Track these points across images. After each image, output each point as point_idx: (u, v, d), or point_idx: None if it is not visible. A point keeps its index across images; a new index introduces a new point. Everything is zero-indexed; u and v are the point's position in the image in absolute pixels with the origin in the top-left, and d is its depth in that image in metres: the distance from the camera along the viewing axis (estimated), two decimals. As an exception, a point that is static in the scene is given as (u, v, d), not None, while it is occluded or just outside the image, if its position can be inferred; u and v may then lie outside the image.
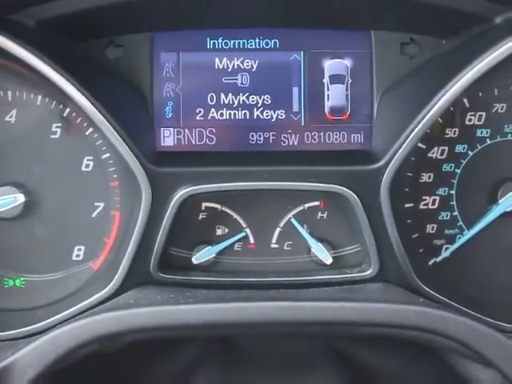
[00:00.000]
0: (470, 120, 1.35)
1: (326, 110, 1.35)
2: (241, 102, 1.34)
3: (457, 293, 1.27)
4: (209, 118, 1.34)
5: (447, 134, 1.35)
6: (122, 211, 1.31)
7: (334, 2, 1.28)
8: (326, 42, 1.33)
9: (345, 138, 1.35)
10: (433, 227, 1.37)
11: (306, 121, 1.35)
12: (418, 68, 1.33)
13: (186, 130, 1.35)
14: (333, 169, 1.27)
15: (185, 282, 1.28)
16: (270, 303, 1.12)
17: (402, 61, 1.34)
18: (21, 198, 1.31)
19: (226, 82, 1.34)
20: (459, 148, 1.35)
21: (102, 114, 1.22)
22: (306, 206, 1.32)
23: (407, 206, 1.36)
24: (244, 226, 1.33)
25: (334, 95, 1.35)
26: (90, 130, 1.32)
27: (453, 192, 1.35)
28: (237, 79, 1.34)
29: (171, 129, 1.34)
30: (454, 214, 1.35)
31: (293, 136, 1.34)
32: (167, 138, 1.34)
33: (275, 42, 1.34)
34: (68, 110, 1.33)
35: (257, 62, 1.34)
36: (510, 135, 1.35)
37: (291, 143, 1.34)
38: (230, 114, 1.35)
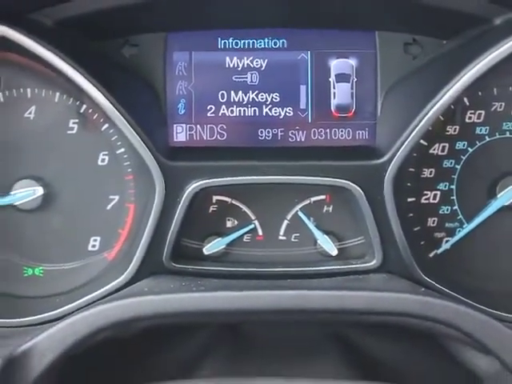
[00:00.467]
0: (469, 118, 1.35)
1: (332, 108, 1.34)
2: (250, 100, 1.34)
3: (457, 283, 1.26)
4: (220, 114, 1.34)
5: (448, 132, 1.34)
6: (136, 204, 1.31)
7: (338, 3, 1.27)
8: (332, 42, 1.33)
9: (350, 134, 1.35)
10: (434, 221, 1.36)
11: (313, 118, 1.34)
12: (421, 67, 1.32)
13: (198, 126, 1.34)
14: (338, 164, 1.26)
15: (196, 271, 1.27)
16: (279, 292, 1.12)
17: (406, 60, 1.33)
18: (39, 191, 1.31)
19: (236, 80, 1.34)
20: (459, 145, 1.35)
21: (117, 110, 1.22)
22: (313, 199, 1.32)
23: (409, 200, 1.36)
24: (253, 218, 1.33)
25: (340, 93, 1.34)
26: (106, 125, 1.32)
27: (453, 187, 1.35)
28: (246, 77, 1.34)
29: (183, 125, 1.34)
30: (454, 208, 1.35)
31: (300, 132, 1.34)
32: (180, 134, 1.34)
33: (283, 41, 1.33)
34: (85, 106, 1.33)
35: (266, 61, 1.34)
36: (508, 132, 1.34)
37: (298, 139, 1.34)
38: (240, 110, 1.34)
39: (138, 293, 1.15)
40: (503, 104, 1.35)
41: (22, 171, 1.33)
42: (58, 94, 1.33)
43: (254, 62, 1.34)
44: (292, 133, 1.34)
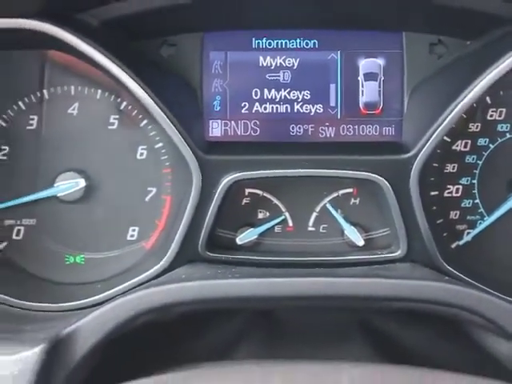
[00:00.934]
0: (491, 116, 1.35)
1: (361, 105, 1.34)
2: (282, 97, 1.34)
3: (478, 273, 1.26)
4: (253, 111, 1.34)
5: (470, 129, 1.34)
6: (173, 195, 1.32)
7: (366, 5, 1.27)
8: (360, 43, 1.33)
9: (377, 130, 1.34)
10: (456, 213, 1.36)
11: (342, 114, 1.34)
12: (446, 67, 1.32)
13: (233, 121, 1.35)
14: (366, 158, 1.26)
15: (230, 260, 1.28)
16: (309, 279, 1.11)
17: (431, 60, 1.33)
18: (82, 183, 1.32)
19: (270, 78, 1.34)
20: (481, 141, 1.34)
21: (158, 105, 1.23)
22: (341, 192, 1.32)
23: (433, 193, 1.35)
24: (283, 210, 1.33)
25: (368, 91, 1.34)
26: (145, 121, 1.33)
27: (475, 181, 1.34)
28: (279, 76, 1.34)
29: (219, 121, 1.34)
30: (476, 201, 1.35)
31: (330, 128, 1.34)
32: (215, 129, 1.35)
33: (314, 42, 1.34)
34: (125, 103, 1.34)
35: (297, 60, 1.34)
36: None
37: (328, 135, 1.34)
38: (272, 107, 1.34)
39: (176, 279, 1.14)
40: None
41: (65, 164, 1.34)
42: (99, 91, 1.33)
43: (287, 61, 1.34)
44: (322, 129, 1.34)
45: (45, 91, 1.34)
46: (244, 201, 1.33)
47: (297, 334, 1.29)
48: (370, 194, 1.30)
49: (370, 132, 1.34)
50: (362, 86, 1.34)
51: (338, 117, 1.34)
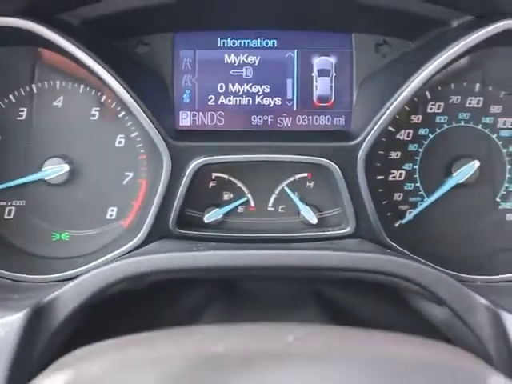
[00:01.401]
0: (431, 109, 1.35)
1: (314, 98, 1.34)
2: (245, 91, 1.33)
3: (418, 248, 1.26)
4: (219, 103, 1.34)
5: (412, 120, 1.34)
6: (148, 179, 1.31)
7: (322, 10, 1.27)
8: (315, 43, 1.33)
9: (329, 120, 1.34)
10: (399, 195, 1.36)
11: (298, 106, 1.34)
12: (389, 64, 1.32)
13: (200, 112, 1.34)
14: (319, 145, 1.26)
15: (197, 236, 1.27)
16: (265, 251, 1.11)
17: (377, 58, 1.33)
18: (66, 168, 1.31)
19: (233, 74, 1.34)
20: (422, 131, 1.34)
21: (133, 99, 1.22)
22: (297, 176, 1.32)
23: (379, 177, 1.35)
24: (246, 192, 1.32)
25: (321, 86, 1.34)
26: (123, 113, 1.32)
27: (416, 167, 1.34)
28: (242, 72, 1.33)
29: (188, 112, 1.34)
30: (417, 184, 1.35)
31: (287, 119, 1.34)
32: (184, 119, 1.34)
33: (274, 41, 1.33)
34: (105, 96, 1.33)
35: (258, 57, 1.33)
36: (462, 121, 1.34)
37: (285, 124, 1.34)
38: (236, 100, 1.34)
39: (148, 252, 1.15)
40: (459, 97, 1.35)
41: (51, 151, 1.32)
42: (82, 86, 1.32)
43: (249, 59, 1.33)
44: (280, 119, 1.34)
45: (33, 86, 1.31)
46: (211, 184, 1.31)
47: (257, 303, 1.30)
48: (322, 178, 1.29)
49: (322, 122, 1.34)
50: (316, 81, 1.34)
51: (295, 108, 1.34)
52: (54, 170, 1.31)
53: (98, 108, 1.33)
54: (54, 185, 1.32)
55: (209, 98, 1.34)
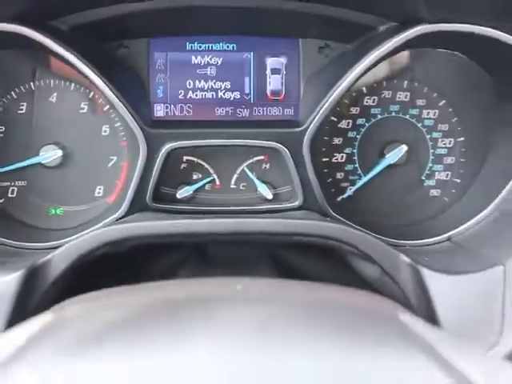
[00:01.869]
0: (367, 102, 1.37)
1: (268, 93, 1.35)
2: (209, 87, 1.34)
3: (357, 219, 1.27)
4: (187, 97, 1.34)
5: (351, 112, 1.36)
6: (129, 162, 1.32)
7: (273, 20, 1.28)
8: (268, 46, 1.33)
9: (280, 111, 1.35)
10: (341, 174, 1.38)
11: (254, 100, 1.35)
12: (330, 64, 1.32)
13: (172, 105, 1.34)
14: (271, 131, 1.27)
15: (171, 210, 1.28)
16: (229, 219, 1.15)
17: (320, 59, 1.33)
18: (59, 153, 1.32)
19: (199, 72, 1.34)
20: (359, 121, 1.36)
21: (115, 95, 1.21)
22: (255, 159, 1.33)
23: (324, 160, 1.36)
24: (212, 172, 1.34)
25: (274, 82, 1.34)
26: (107, 107, 1.33)
27: (355, 151, 1.37)
28: (207, 71, 1.34)
29: (162, 104, 1.34)
30: (356, 165, 1.37)
31: (245, 110, 1.35)
32: (159, 111, 1.34)
33: (233, 45, 1.33)
34: (92, 93, 1.32)
35: (221, 59, 1.34)
36: (393, 112, 1.36)
37: (243, 115, 1.35)
38: (202, 94, 1.34)
39: (129, 221, 1.19)
40: (390, 92, 1.36)
41: (47, 139, 1.32)
42: (73, 84, 1.32)
43: (213, 60, 1.33)
44: (239, 110, 1.35)
45: (32, 84, 1.31)
46: (182, 165, 1.32)
47: (221, 264, 1.33)
48: (276, 160, 1.30)
49: (274, 112, 1.35)
50: (269, 79, 1.34)
51: (251, 101, 1.35)
52: (50, 154, 1.31)
53: (87, 103, 1.33)
54: (50, 167, 1.32)
55: (179, 92, 1.34)
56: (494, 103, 1.29)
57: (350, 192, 1.38)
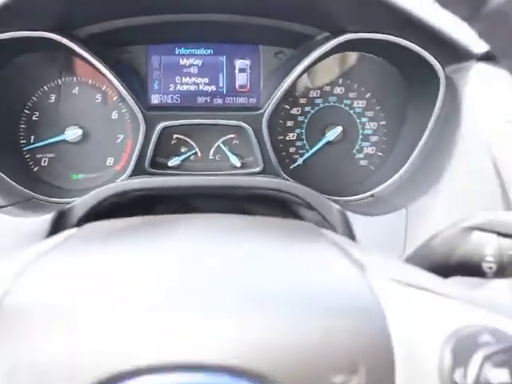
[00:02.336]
0: (312, 94, 1.43)
1: (237, 86, 1.42)
2: (193, 82, 1.40)
3: (305, 182, 1.27)
4: (176, 89, 1.42)
5: (300, 102, 1.43)
6: (132, 138, 1.39)
7: (240, 32, 1.34)
8: (237, 51, 1.40)
9: (246, 100, 1.43)
10: (292, 149, 1.46)
11: (226, 91, 1.41)
12: (282, 65, 1.40)
13: (165, 95, 1.42)
14: (239, 114, 1.35)
15: (164, 174, 1.34)
16: (207, 177, 1.26)
17: (275, 61, 1.40)
18: (79, 132, 1.39)
19: (185, 71, 1.41)
20: (306, 109, 1.44)
21: (123, 87, 1.28)
22: (227, 136, 1.40)
23: (279, 137, 1.44)
24: (195, 147, 1.41)
25: (241, 79, 1.42)
26: (116, 97, 1.39)
27: (303, 131, 1.44)
28: (190, 70, 1.41)
29: (157, 94, 1.42)
30: (304, 142, 1.45)
31: (219, 99, 1.42)
32: (154, 100, 1.42)
33: (211, 51, 1.41)
34: (104, 86, 1.39)
35: (201, 61, 1.41)
36: (332, 102, 1.44)
37: (218, 102, 1.41)
38: (187, 87, 1.42)
39: (132, 179, 1.30)
40: (329, 87, 1.43)
41: (70, 121, 1.39)
42: (90, 80, 1.39)
43: (195, 61, 1.41)
44: (215, 99, 1.43)
45: (59, 80, 1.38)
46: (172, 142, 1.40)
47: (201, 213, 1.37)
48: (243, 137, 1.37)
49: (242, 101, 1.43)
50: (237, 76, 1.41)
51: (224, 92, 1.42)
52: (72, 133, 1.39)
53: (100, 94, 1.39)
54: (72, 143, 1.39)
55: (170, 86, 1.41)
56: (405, 94, 1.42)
57: (299, 162, 1.44)
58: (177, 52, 1.40)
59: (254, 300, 0.43)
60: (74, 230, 0.70)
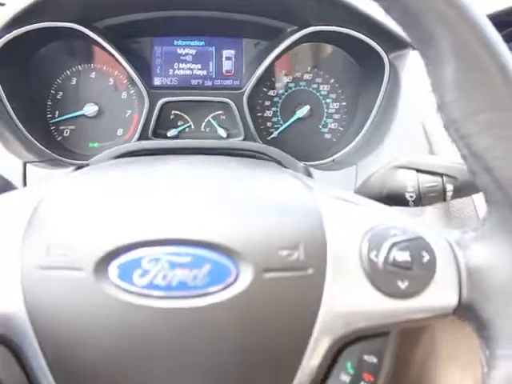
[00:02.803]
0: (285, 79, 1.55)
1: (224, 71, 1.54)
2: (188, 67, 1.53)
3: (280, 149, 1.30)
4: (174, 73, 1.53)
5: (276, 85, 1.54)
6: (138, 113, 1.49)
7: (225, 27, 1.43)
8: (224, 43, 1.52)
9: (231, 82, 1.54)
10: (269, 124, 1.56)
11: (215, 75, 1.54)
12: (259, 54, 1.50)
13: (164, 77, 1.53)
14: (225, 92, 1.46)
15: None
16: (201, 140, 1.39)
17: (255, 51, 1.52)
18: (96, 108, 1.51)
19: (182, 58, 1.52)
20: (281, 91, 1.55)
21: (133, 71, 1.39)
22: (216, 112, 1.51)
23: (258, 114, 1.54)
24: (190, 121, 1.53)
25: (227, 65, 1.53)
26: (125, 80, 1.50)
27: (278, 109, 1.55)
28: (186, 58, 1.52)
29: (159, 77, 1.53)
30: (278, 118, 1.55)
31: (209, 81, 1.50)
32: (157, 81, 1.53)
33: (203, 42, 1.52)
34: (116, 72, 1.51)
35: (195, 51, 1.53)
36: (302, 86, 1.54)
37: (208, 84, 1.51)
38: (183, 72, 1.53)
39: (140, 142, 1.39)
40: (300, 73, 1.54)
41: (88, 99, 1.50)
42: (104, 66, 1.51)
43: (190, 51, 1.52)
44: (205, 81, 1.54)
45: (79, 66, 1.49)
46: (171, 117, 1.51)
47: None
48: (228, 113, 1.47)
49: (228, 83, 1.54)
50: (224, 63, 1.52)
51: (213, 76, 1.53)
52: (90, 109, 1.50)
53: (113, 78, 1.50)
54: (90, 117, 1.50)
55: (169, 70, 1.52)
56: (360, 79, 1.51)
57: (274, 134, 1.56)
58: (175, 43, 1.51)
59: (224, 199, 0.55)
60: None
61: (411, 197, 0.75)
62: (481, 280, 0.48)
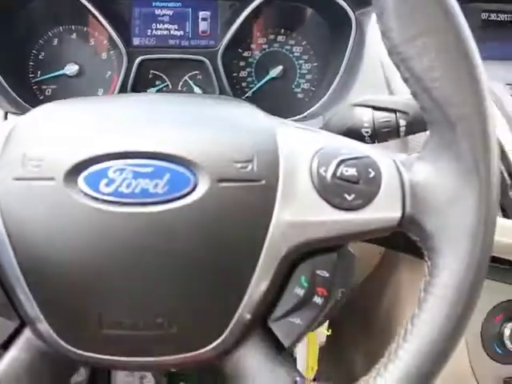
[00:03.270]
0: (259, 41, 1.63)
1: (199, 31, 1.57)
2: (165, 28, 1.54)
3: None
4: (152, 34, 1.55)
5: (251, 46, 1.62)
6: (117, 74, 1.53)
7: None
8: (200, 4, 1.56)
9: (207, 42, 1.58)
10: (244, 84, 1.57)
11: (192, 35, 1.55)
12: (232, 15, 1.54)
13: (143, 37, 1.54)
14: (201, 50, 1.47)
15: None
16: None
17: (230, 12, 1.53)
18: (76, 67, 1.54)
19: (159, 19, 1.54)
20: (255, 52, 1.62)
21: (114, 32, 1.43)
22: (193, 72, 1.56)
23: (234, 74, 1.58)
24: (167, 80, 1.54)
25: (202, 26, 1.54)
26: (106, 41, 1.58)
27: (252, 70, 1.57)
28: (164, 18, 1.55)
29: (138, 37, 1.55)
30: (253, 78, 1.57)
31: (186, 41, 1.52)
32: (136, 41, 1.52)
33: (179, 4, 1.55)
34: (97, 33, 1.57)
35: (172, 12, 1.55)
36: (275, 47, 1.62)
37: (185, 44, 1.55)
38: (160, 32, 1.54)
39: None
40: (273, 35, 1.61)
41: (69, 59, 1.52)
42: (85, 28, 1.60)
43: (167, 12, 1.56)
44: (182, 41, 1.52)
45: (60, 27, 1.57)
46: (149, 76, 1.54)
47: None
48: (204, 73, 1.52)
49: (204, 42, 1.59)
50: (200, 23, 1.56)
51: (190, 36, 1.55)
52: (71, 68, 1.56)
53: (94, 39, 1.58)
54: (70, 77, 1.55)
55: (147, 31, 1.57)
56: (330, 39, 1.62)
57: (248, 94, 1.55)
58: (153, 4, 1.64)
59: (186, 117, 0.58)
60: None
61: (367, 132, 0.78)
62: (423, 194, 0.50)
